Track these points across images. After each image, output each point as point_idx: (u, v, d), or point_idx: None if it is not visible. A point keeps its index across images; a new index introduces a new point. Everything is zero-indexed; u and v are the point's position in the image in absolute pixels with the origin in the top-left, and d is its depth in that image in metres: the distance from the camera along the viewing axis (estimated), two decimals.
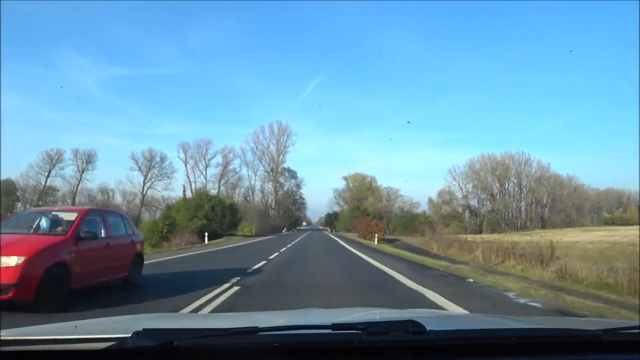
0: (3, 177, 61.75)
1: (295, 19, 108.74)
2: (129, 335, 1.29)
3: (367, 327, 1.34)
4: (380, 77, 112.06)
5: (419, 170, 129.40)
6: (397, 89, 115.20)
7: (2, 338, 1.30)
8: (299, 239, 41.08)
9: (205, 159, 79.61)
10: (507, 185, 79.31)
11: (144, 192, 74.78)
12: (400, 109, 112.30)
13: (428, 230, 57.09)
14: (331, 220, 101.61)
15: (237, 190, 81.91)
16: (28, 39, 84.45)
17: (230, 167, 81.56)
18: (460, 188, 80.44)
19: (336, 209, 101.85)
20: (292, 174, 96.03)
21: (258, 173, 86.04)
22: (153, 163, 74.75)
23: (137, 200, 74.85)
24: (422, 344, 1.38)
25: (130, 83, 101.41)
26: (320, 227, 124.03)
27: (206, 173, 79.79)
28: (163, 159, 75.39)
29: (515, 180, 78.65)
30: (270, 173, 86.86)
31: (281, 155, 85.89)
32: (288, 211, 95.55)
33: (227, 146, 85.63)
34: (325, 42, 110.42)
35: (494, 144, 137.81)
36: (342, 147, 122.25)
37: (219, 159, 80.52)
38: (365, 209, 77.26)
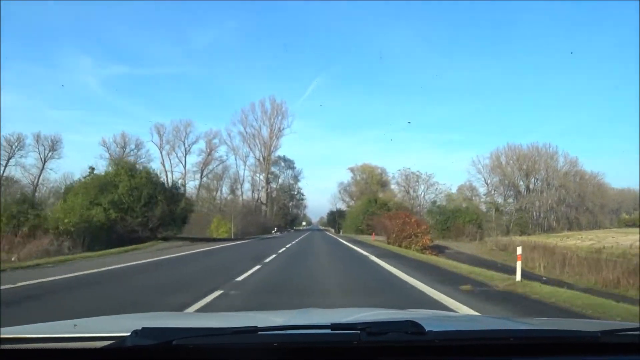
0: None
1: (297, 20, 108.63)
2: (128, 334, 1.29)
3: (366, 327, 1.34)
4: (380, 78, 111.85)
5: (420, 170, 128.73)
6: (397, 89, 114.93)
7: (2, 336, 1.30)
8: (290, 245, 25.53)
9: (184, 145, 66.29)
10: (533, 181, 68.64)
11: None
12: (401, 109, 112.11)
13: (474, 230, 47.21)
14: (335, 218, 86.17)
15: (222, 182, 68.48)
16: (29, 38, 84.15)
17: (216, 154, 68.37)
18: (486, 182, 68.13)
19: (341, 206, 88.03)
20: (289, 164, 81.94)
21: (248, 162, 72.68)
22: (127, 150, 61.06)
23: None
24: (421, 344, 1.38)
25: (132, 82, 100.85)
26: (322, 227, 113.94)
27: (185, 161, 66.39)
28: (139, 145, 61.90)
29: (544, 175, 68.21)
30: (262, 161, 72.50)
31: (275, 140, 71.61)
32: (284, 208, 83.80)
33: (211, 130, 74.48)
34: (325, 43, 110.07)
35: (496, 144, 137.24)
36: (343, 148, 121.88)
37: (201, 144, 67.88)
38: (385, 202, 60.91)
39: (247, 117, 71.76)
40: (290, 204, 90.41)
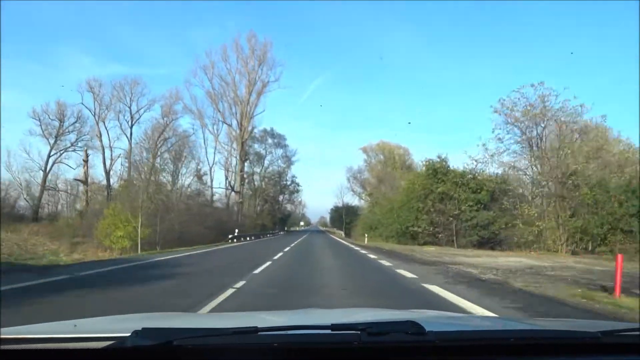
0: None
1: (297, 20, 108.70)
2: (128, 334, 1.29)
3: (367, 327, 1.34)
4: (381, 78, 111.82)
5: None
6: (397, 89, 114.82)
7: (1, 337, 1.30)
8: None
9: (130, 111, 45.39)
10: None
11: (47, 169, 43.50)
12: (401, 109, 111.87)
13: None
14: (341, 216, 63.93)
15: (181, 164, 46.55)
16: (28, 37, 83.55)
17: (176, 125, 46.99)
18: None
19: (349, 199, 66.40)
20: (279, 141, 59.78)
21: (220, 135, 49.87)
22: (65, 124, 44.23)
23: (37, 181, 44.14)
24: (421, 344, 1.38)
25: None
26: (323, 229, 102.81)
27: (131, 134, 45.30)
28: (80, 117, 44.85)
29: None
30: (236, 130, 47.69)
31: (256, 98, 46.82)
32: (273, 202, 62.50)
33: (172, 91, 48.89)
34: (325, 43, 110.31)
35: None
36: (343, 148, 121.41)
37: (156, 112, 48.37)
38: (447, 188, 32.31)
39: (215, 64, 46.87)
40: (281, 197, 67.00)
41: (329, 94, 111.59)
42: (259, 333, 1.35)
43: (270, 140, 60.10)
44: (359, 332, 1.33)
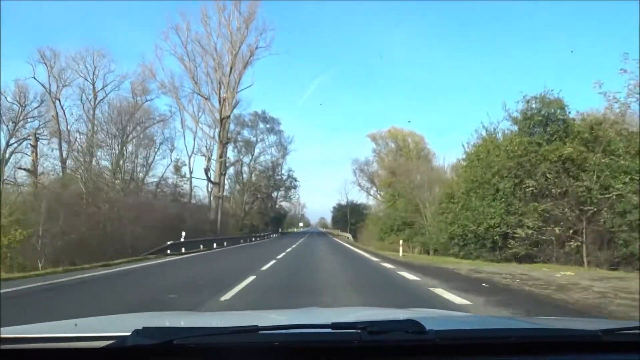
0: None
1: (297, 20, 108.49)
2: (129, 333, 1.29)
3: (367, 326, 1.34)
4: (381, 78, 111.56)
5: None
6: (397, 89, 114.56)
7: (2, 336, 1.30)
8: None
9: (94, 88, 36.21)
10: None
11: (5, 158, 34.28)
12: (401, 109, 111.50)
13: None
14: (345, 216, 56.24)
15: (153, 151, 37.90)
16: (28, 36, 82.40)
17: (152, 107, 38.03)
18: None
19: (353, 197, 58.52)
20: (272, 125, 49.35)
21: (201, 118, 39.98)
22: (27, 108, 35.73)
23: None
24: (422, 343, 1.38)
25: None
26: (323, 230, 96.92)
27: (93, 115, 35.95)
28: (46, 101, 35.92)
29: None
30: (213, 104, 37.35)
31: (240, 67, 36.45)
32: (265, 199, 52.44)
33: (144, 66, 37.64)
34: (326, 43, 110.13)
35: None
36: (343, 148, 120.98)
37: (124, 89, 37.64)
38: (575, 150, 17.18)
39: (191, 25, 36.48)
40: (275, 194, 56.43)
41: (329, 94, 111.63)
42: (260, 332, 1.36)
43: (262, 125, 49.37)
44: (359, 330, 1.33)
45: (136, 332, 1.29)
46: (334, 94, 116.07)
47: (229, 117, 37.43)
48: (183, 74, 37.36)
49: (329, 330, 1.38)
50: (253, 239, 40.44)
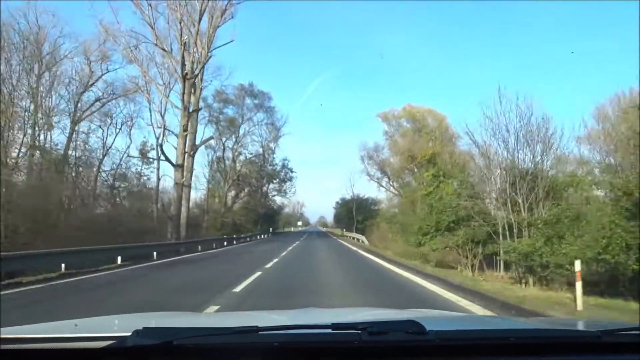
0: None
1: (297, 20, 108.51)
2: (129, 334, 1.29)
3: (367, 327, 1.34)
4: (381, 78, 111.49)
5: None
6: (397, 89, 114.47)
7: (2, 336, 1.30)
8: None
9: (40, 53, 23.08)
10: None
11: None
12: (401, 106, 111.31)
13: None
14: (351, 213, 47.17)
15: (119, 126, 29.30)
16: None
17: (113, 80, 28.20)
18: None
19: (359, 190, 49.89)
20: (261, 102, 39.82)
21: (175, 87, 27.53)
22: None
23: None
24: (421, 344, 1.38)
25: None
26: (324, 229, 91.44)
27: (37, 87, 23.00)
28: None
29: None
30: (175, 57, 24.91)
31: (217, 14, 24.47)
32: (253, 192, 43.35)
33: (101, 29, 24.17)
34: (326, 43, 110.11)
35: None
36: (343, 148, 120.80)
37: (80, 58, 25.57)
38: None
39: None
40: (266, 187, 45.67)
41: (329, 93, 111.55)
42: (260, 332, 1.35)
43: (249, 101, 38.62)
44: (359, 331, 1.33)
45: (136, 333, 1.29)
46: (334, 94, 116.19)
47: (197, 75, 25.96)
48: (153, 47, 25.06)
49: (329, 330, 1.38)
50: (228, 244, 28.51)
